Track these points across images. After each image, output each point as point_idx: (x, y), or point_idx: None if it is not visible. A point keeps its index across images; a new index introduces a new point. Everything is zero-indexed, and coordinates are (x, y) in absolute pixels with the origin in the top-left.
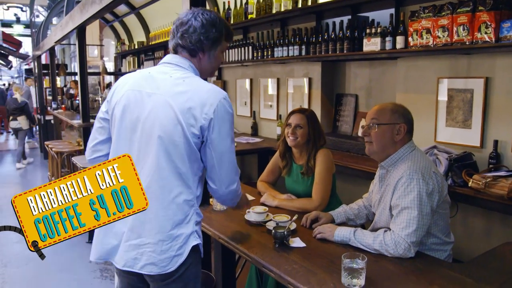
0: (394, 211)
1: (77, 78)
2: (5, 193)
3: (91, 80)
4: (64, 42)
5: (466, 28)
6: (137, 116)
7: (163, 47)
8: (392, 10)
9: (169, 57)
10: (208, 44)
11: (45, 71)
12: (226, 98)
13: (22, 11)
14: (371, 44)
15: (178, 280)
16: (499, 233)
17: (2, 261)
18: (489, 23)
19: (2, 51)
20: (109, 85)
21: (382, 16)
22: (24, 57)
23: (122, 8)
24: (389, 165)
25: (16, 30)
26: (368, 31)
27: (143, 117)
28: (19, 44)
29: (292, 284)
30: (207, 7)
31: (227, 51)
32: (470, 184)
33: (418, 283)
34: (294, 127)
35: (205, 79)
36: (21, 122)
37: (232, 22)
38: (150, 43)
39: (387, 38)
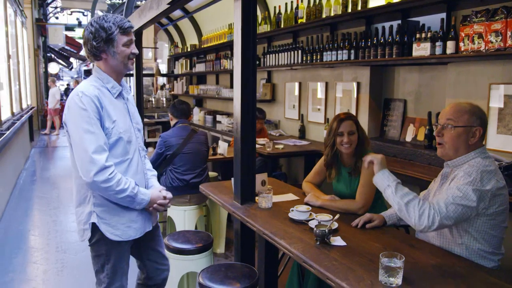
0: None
1: (133, 79)
2: (52, 188)
3: (145, 81)
4: None
5: None
6: None
7: (215, 50)
8: (444, 15)
9: None
10: (101, 45)
11: None
12: (79, 94)
13: (84, 15)
14: (421, 49)
15: (92, 249)
16: None
17: (62, 248)
18: None
19: (64, 53)
20: (162, 87)
21: (433, 20)
22: (83, 59)
23: (176, 13)
24: (455, 165)
25: (78, 33)
26: (418, 35)
27: None
28: (80, 47)
29: (331, 280)
30: (258, 11)
31: (276, 54)
32: None
33: (455, 285)
34: (348, 135)
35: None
36: None
37: (282, 26)
38: (202, 46)
39: (437, 43)
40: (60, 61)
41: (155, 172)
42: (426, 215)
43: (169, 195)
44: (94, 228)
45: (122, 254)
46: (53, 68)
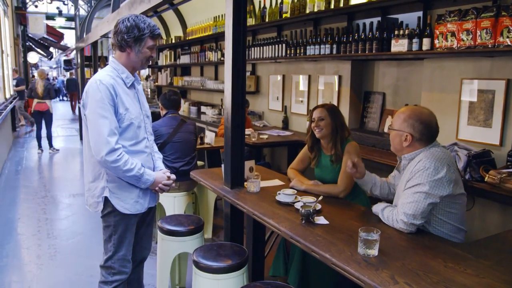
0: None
1: None
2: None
3: None
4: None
5: (489, 32)
6: None
7: (200, 42)
8: (420, 13)
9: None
10: (131, 41)
11: (86, 63)
12: (97, 82)
13: (64, 4)
14: (399, 45)
15: (103, 220)
16: None
17: (53, 234)
18: (511, 28)
19: (44, 43)
20: (147, 78)
21: (411, 18)
22: (64, 49)
23: None
24: (409, 159)
25: (58, 22)
26: (396, 32)
27: None
28: (61, 36)
29: (316, 252)
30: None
31: (261, 47)
32: (486, 179)
33: (424, 256)
34: (318, 120)
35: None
36: None
37: (267, 20)
38: (187, 38)
39: (414, 40)
40: (39, 50)
41: (161, 155)
42: (395, 220)
43: (172, 176)
44: (106, 201)
45: (129, 226)
46: (32, 57)
